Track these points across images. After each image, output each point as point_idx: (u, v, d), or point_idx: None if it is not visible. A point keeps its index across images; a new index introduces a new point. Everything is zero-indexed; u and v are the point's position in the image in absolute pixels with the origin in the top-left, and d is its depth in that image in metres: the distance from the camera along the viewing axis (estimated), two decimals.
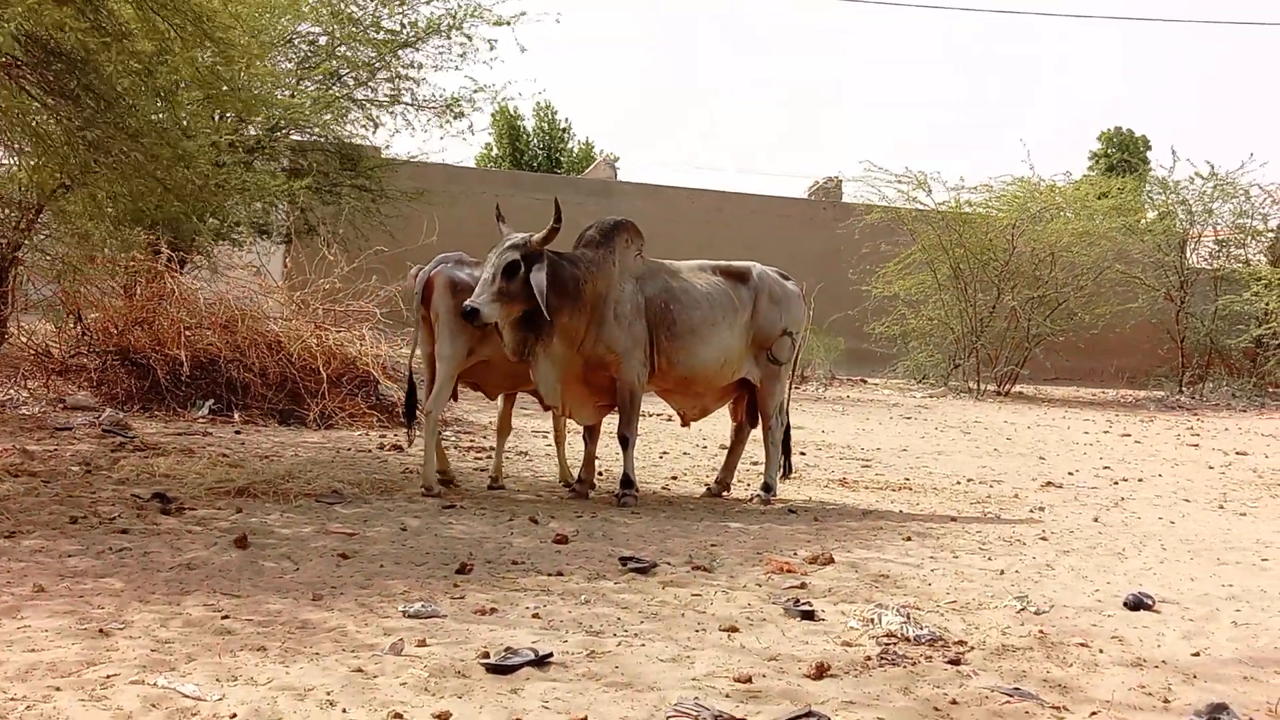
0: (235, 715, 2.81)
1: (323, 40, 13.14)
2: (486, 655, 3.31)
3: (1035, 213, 17.94)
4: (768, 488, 6.63)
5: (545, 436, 8.54)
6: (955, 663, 3.49)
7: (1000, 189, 18.48)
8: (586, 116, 78.09)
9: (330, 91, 12.95)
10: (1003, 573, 4.88)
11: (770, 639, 3.68)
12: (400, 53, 13.27)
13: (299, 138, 13.38)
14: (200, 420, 8.55)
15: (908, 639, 3.70)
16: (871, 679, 3.31)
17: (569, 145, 36.49)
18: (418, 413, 6.68)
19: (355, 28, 12.95)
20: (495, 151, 35.48)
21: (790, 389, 6.98)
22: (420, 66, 13.49)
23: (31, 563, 4.18)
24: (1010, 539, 5.71)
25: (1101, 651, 3.71)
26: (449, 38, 13.25)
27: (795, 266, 8.02)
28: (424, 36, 13.22)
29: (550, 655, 3.33)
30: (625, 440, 6.28)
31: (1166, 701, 3.25)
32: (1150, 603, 4.34)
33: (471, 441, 8.60)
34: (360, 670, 3.17)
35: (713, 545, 5.18)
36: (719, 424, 8.77)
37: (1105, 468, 9.14)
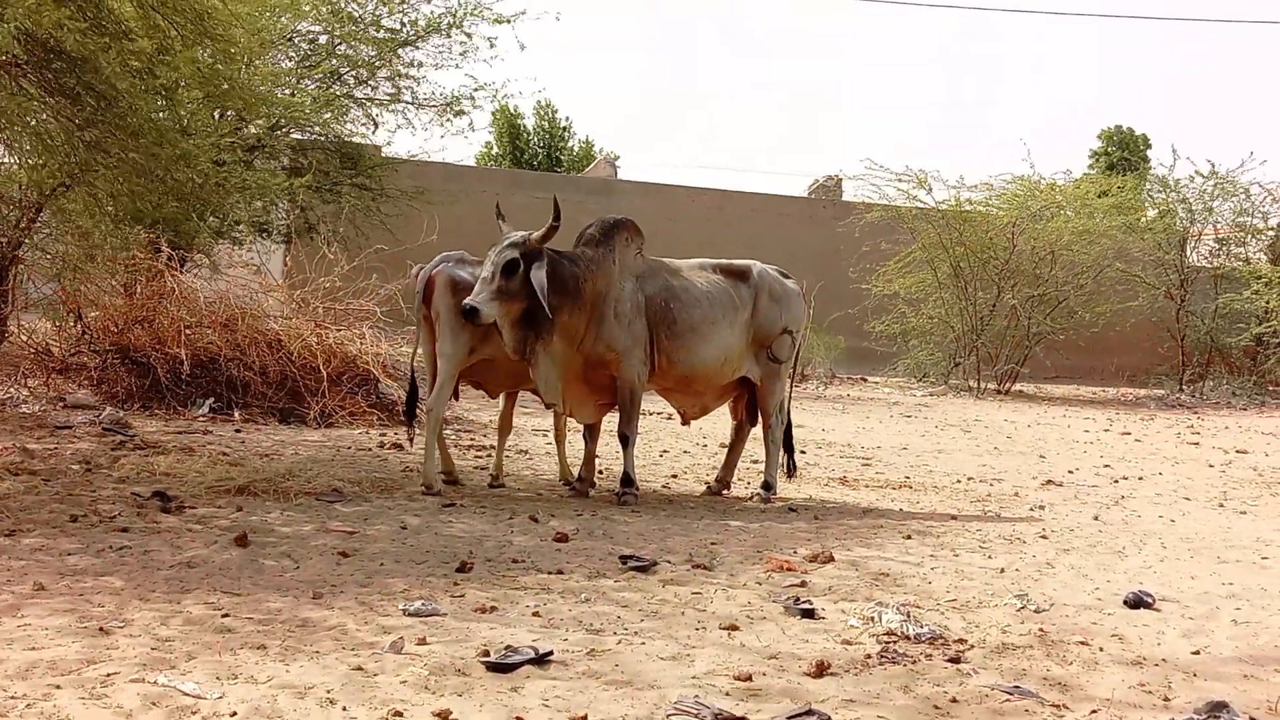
0: (235, 714, 2.81)
1: (323, 39, 13.14)
2: (487, 653, 3.31)
3: (1035, 211, 17.94)
4: (768, 486, 6.63)
5: (545, 435, 8.54)
6: (955, 661, 3.49)
7: (1000, 187, 18.48)
8: (587, 118, 78.14)
9: (330, 90, 12.94)
10: (1003, 571, 4.88)
11: (770, 637, 3.69)
12: (400, 51, 13.27)
13: (299, 136, 13.38)
14: (200, 418, 8.55)
15: (908, 637, 3.70)
16: (871, 677, 3.31)
17: (569, 144, 36.50)
18: (418, 411, 6.68)
19: (355, 26, 12.94)
20: (495, 150, 35.48)
21: (792, 387, 6.99)
22: (420, 65, 13.50)
23: (32, 561, 4.19)
24: (1010, 537, 5.71)
25: (1101, 650, 3.71)
26: (449, 36, 13.25)
27: (795, 265, 8.02)
28: (424, 35, 13.21)
29: (550, 653, 3.33)
30: (625, 438, 6.28)
31: (1166, 700, 3.25)
32: (1150, 601, 4.34)
33: (471, 440, 8.61)
34: (360, 668, 3.17)
35: (713, 543, 5.18)
36: (719, 422, 8.77)
37: (1105, 466, 9.14)
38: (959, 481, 7.86)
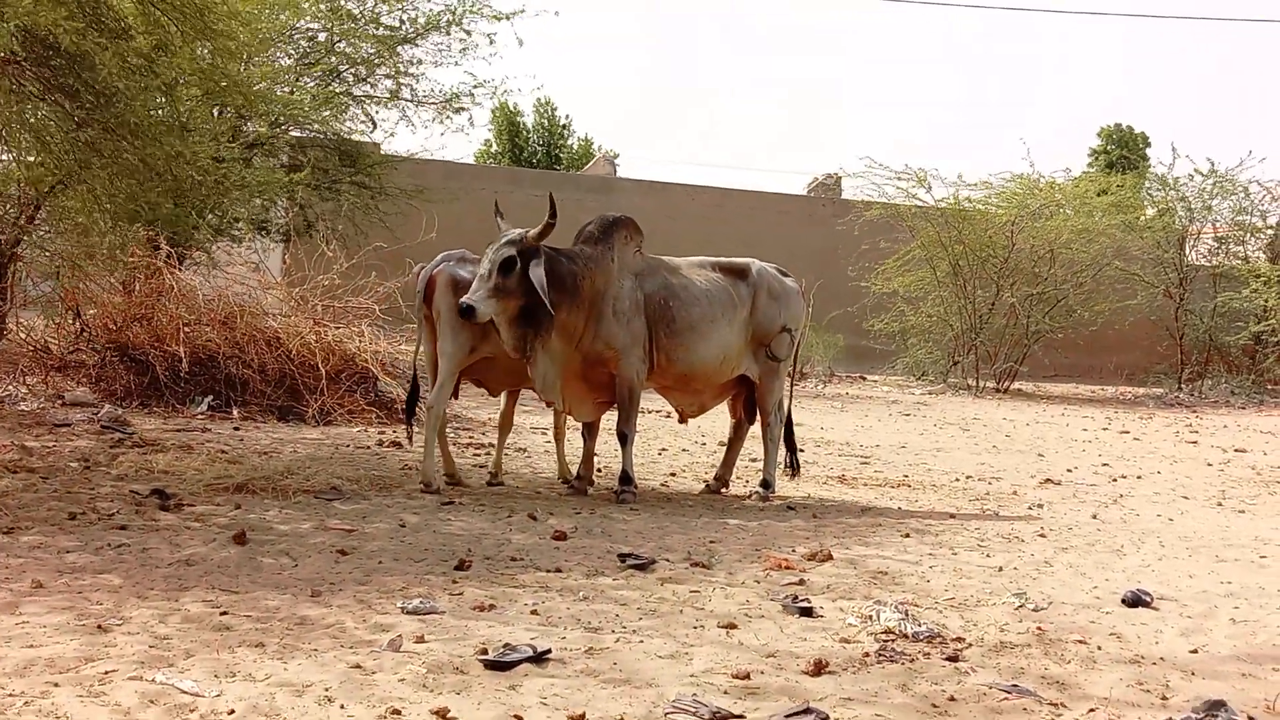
0: (233, 711, 2.81)
1: (322, 36, 13.13)
2: (485, 651, 3.31)
3: (1035, 210, 17.95)
4: (766, 484, 6.62)
5: (544, 433, 8.54)
6: (953, 659, 3.49)
7: (1000, 186, 18.50)
8: (587, 116, 78.18)
9: (330, 88, 12.94)
10: (1001, 570, 4.88)
11: (768, 635, 3.69)
12: (400, 49, 13.26)
13: (298, 134, 13.37)
14: (199, 416, 8.55)
15: (906, 636, 3.70)
16: (870, 676, 3.31)
17: (569, 142, 36.49)
18: (418, 410, 6.68)
19: (354, 24, 12.93)
20: (495, 148, 35.48)
21: (792, 386, 6.98)
22: (420, 63, 13.50)
23: (30, 559, 4.18)
24: (1009, 536, 5.71)
25: (1100, 648, 3.71)
26: (448, 34, 13.25)
27: (794, 263, 8.02)
28: (423, 32, 13.21)
29: (549, 651, 3.33)
30: (624, 437, 6.28)
31: (1164, 699, 3.25)
32: (1148, 600, 4.34)
33: (470, 438, 8.61)
34: (358, 666, 3.17)
35: (711, 542, 5.18)
36: (718, 421, 8.77)
37: (1104, 465, 9.15)
38: (957, 480, 7.86)
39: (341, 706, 2.88)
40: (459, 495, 6.09)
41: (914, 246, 18.26)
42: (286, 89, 12.46)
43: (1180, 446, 10.96)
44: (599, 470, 6.81)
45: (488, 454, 7.68)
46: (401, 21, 13.24)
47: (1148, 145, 35.69)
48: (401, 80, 13.51)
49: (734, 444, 6.97)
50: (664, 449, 8.62)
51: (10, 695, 2.82)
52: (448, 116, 13.89)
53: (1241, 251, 19.40)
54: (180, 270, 9.72)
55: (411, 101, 13.72)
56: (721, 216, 20.83)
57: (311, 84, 12.73)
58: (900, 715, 3.02)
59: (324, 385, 8.77)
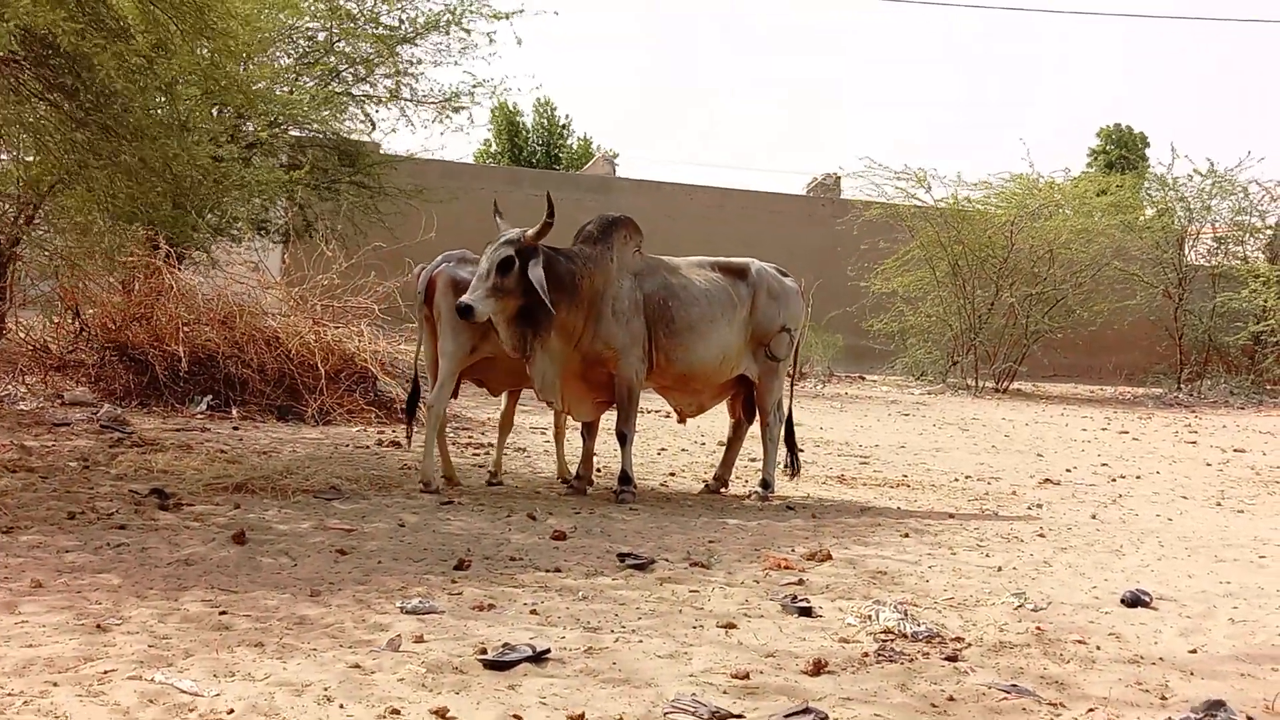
0: (232, 711, 2.81)
1: (321, 36, 13.13)
2: (484, 651, 3.31)
3: (1034, 210, 17.95)
4: (766, 484, 6.62)
5: (544, 433, 8.54)
6: (952, 659, 3.49)
7: (999, 186, 18.51)
8: (587, 116, 78.18)
9: (329, 87, 12.94)
10: (1000, 569, 4.88)
11: (768, 635, 3.69)
12: (399, 48, 13.26)
13: (297, 134, 13.37)
14: (198, 416, 8.55)
15: (905, 635, 3.70)
16: (869, 675, 3.31)
17: (568, 141, 36.47)
18: (419, 409, 6.68)
19: (353, 23, 12.93)
20: (494, 148, 35.46)
21: (793, 385, 6.99)
22: (419, 62, 13.51)
23: (29, 558, 4.18)
24: (1008, 536, 5.71)
25: (1099, 648, 3.71)
26: (447, 33, 13.25)
27: (794, 263, 8.02)
28: (423, 32, 13.21)
29: (548, 651, 3.33)
30: (623, 437, 6.28)
31: (1163, 698, 3.25)
32: (1148, 600, 4.34)
33: (470, 438, 8.61)
34: (358, 666, 3.17)
35: (710, 542, 5.18)
36: (717, 420, 8.77)
37: (1103, 465, 9.15)
38: (956, 480, 7.86)
39: (341, 706, 2.88)
40: (458, 495, 6.09)
41: (913, 246, 18.26)
42: (286, 89, 12.46)
43: (1179, 446, 10.97)
44: (598, 470, 6.81)
45: (487, 454, 7.68)
46: (401, 21, 13.25)
47: (1147, 145, 35.71)
48: (401, 80, 13.52)
49: (733, 444, 6.97)
50: (663, 449, 8.62)
51: (9, 695, 2.82)
52: (447, 116, 13.90)
53: (1240, 251, 19.40)
54: (179, 270, 9.72)
55: (411, 101, 13.73)
56: (721, 216, 20.83)
57: (311, 84, 12.72)
58: (899, 715, 3.02)
59: (323, 385, 8.77)
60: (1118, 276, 18.65)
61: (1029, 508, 6.72)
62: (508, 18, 13.17)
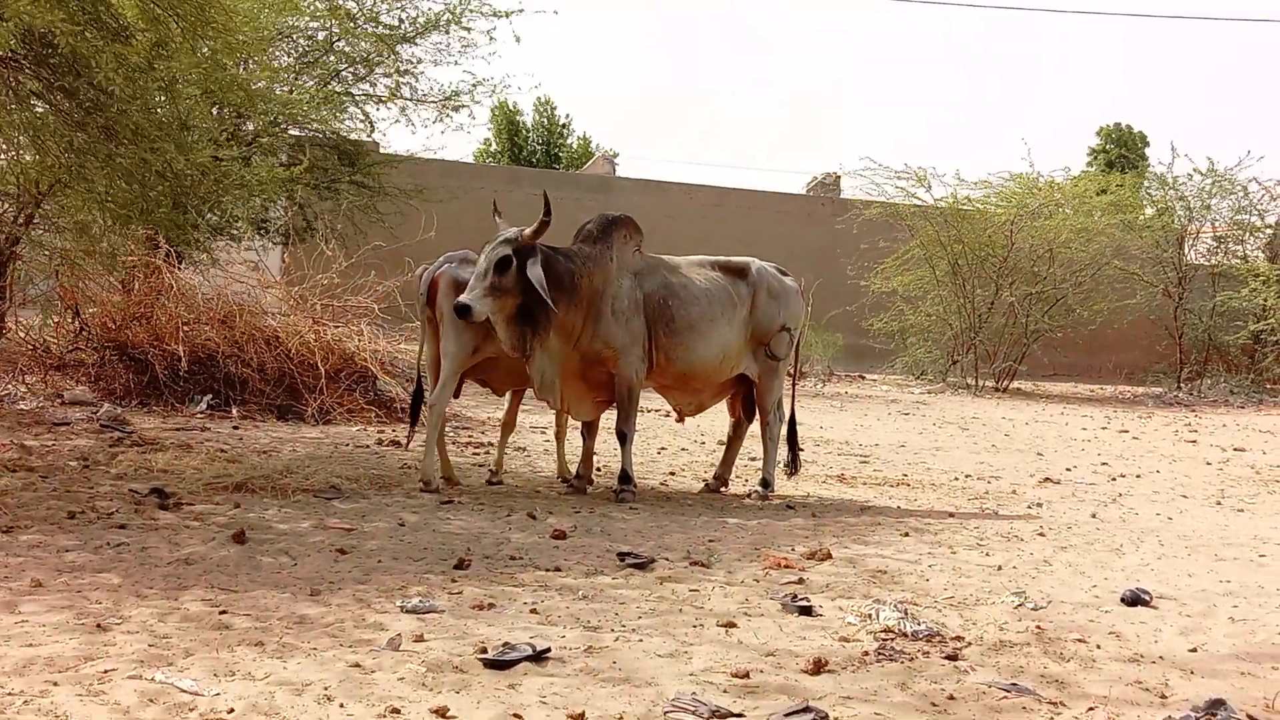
0: (233, 710, 2.81)
1: (321, 35, 13.13)
2: (484, 650, 3.31)
3: (1034, 209, 17.95)
4: (766, 483, 6.62)
5: (544, 432, 8.54)
6: (953, 658, 3.49)
7: (999, 185, 18.51)
8: (587, 116, 78.17)
9: (329, 87, 12.94)
10: (1000, 568, 4.88)
11: (768, 634, 3.69)
12: (399, 48, 13.26)
13: (297, 133, 13.37)
14: (198, 415, 8.55)
15: (905, 634, 3.70)
16: (869, 674, 3.31)
17: (568, 141, 36.47)
18: (422, 412, 6.66)
19: (353, 23, 12.93)
20: (494, 147, 35.47)
21: (795, 385, 6.98)
22: (419, 61, 13.51)
23: (29, 558, 4.18)
24: (1008, 535, 5.71)
25: (1099, 647, 3.71)
26: (447, 32, 13.25)
27: (794, 262, 8.02)
28: (423, 32, 13.21)
29: (548, 650, 3.33)
30: (623, 436, 6.27)
31: (1164, 697, 3.25)
32: (1148, 599, 4.34)
33: (470, 437, 8.61)
34: (358, 665, 3.17)
35: (711, 541, 5.18)
36: (717, 419, 8.77)
37: (1103, 464, 9.15)
38: (956, 479, 7.86)
39: (341, 705, 2.88)
40: (458, 494, 6.09)
41: (913, 246, 18.26)
42: (286, 88, 12.45)
43: (1179, 445, 10.97)
44: (598, 469, 6.81)
45: (487, 453, 7.68)
46: (401, 20, 13.25)
47: (1147, 145, 35.70)
48: (401, 79, 13.52)
49: (733, 443, 6.97)
50: (663, 448, 8.62)
51: (10, 694, 2.82)
52: (447, 115, 13.90)
53: (1240, 251, 19.40)
54: (179, 269, 9.73)
55: (411, 100, 13.73)
56: (721, 215, 20.83)
57: (311, 83, 12.72)
58: (899, 714, 3.02)
59: (323, 384, 8.77)
60: (1118, 276, 18.65)
61: (1029, 507, 6.72)
62: (507, 16, 13.18)
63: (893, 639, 3.66)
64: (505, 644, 3.36)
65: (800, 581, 4.41)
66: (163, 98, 7.42)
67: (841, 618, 3.92)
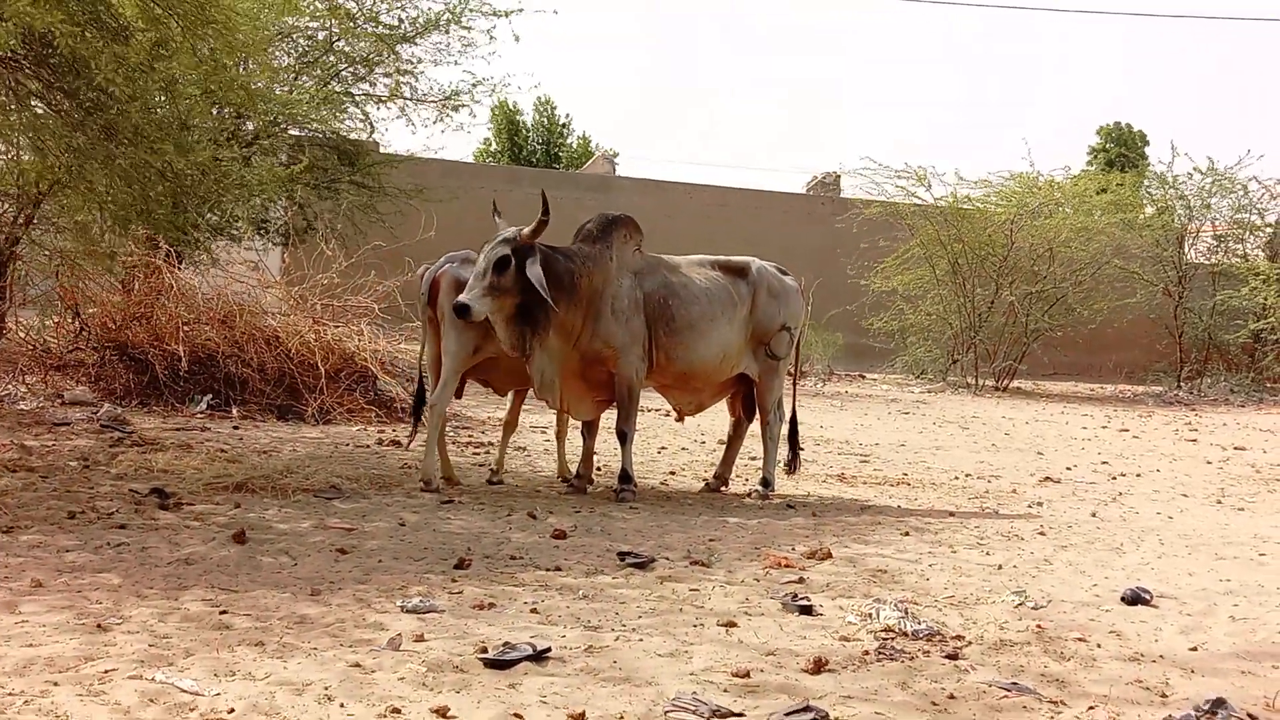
0: (233, 710, 2.81)
1: (320, 35, 13.12)
2: (484, 650, 3.31)
3: (1034, 208, 17.95)
4: (766, 483, 6.62)
5: (544, 432, 8.54)
6: (953, 657, 3.49)
7: (999, 184, 18.50)
8: (587, 115, 78.16)
9: (329, 87, 12.93)
10: (1000, 568, 4.88)
11: (768, 634, 3.69)
12: (399, 47, 13.26)
13: (297, 133, 13.37)
14: (198, 415, 8.55)
15: (905, 634, 3.70)
16: (869, 674, 3.31)
17: (568, 140, 36.47)
18: (424, 412, 6.66)
19: (353, 23, 12.93)
20: (494, 146, 35.46)
21: (795, 384, 6.98)
22: (419, 61, 13.51)
23: (29, 558, 4.18)
24: (1008, 534, 5.71)
25: (1099, 646, 3.71)
26: (447, 32, 13.25)
27: (794, 261, 8.02)
28: (423, 31, 13.21)
29: (548, 650, 3.33)
30: (623, 435, 6.27)
31: (1164, 696, 3.25)
32: (1148, 597, 4.34)
33: (470, 437, 8.60)
34: (358, 665, 3.17)
35: (711, 540, 5.18)
36: (717, 419, 8.77)
37: (1103, 463, 9.15)
38: (957, 478, 7.86)
39: (341, 705, 2.88)
40: (458, 494, 6.09)
41: (913, 245, 18.26)
42: (285, 88, 12.45)
43: (1179, 444, 10.96)
44: (598, 469, 6.81)
45: (488, 453, 7.68)
46: (400, 20, 13.24)
47: (1147, 144, 35.71)
48: (401, 79, 13.51)
49: (733, 442, 6.96)
50: (663, 447, 8.62)
51: (10, 694, 2.82)
52: (447, 115, 13.89)
53: (1240, 249, 19.40)
54: (179, 269, 9.73)
55: (411, 100, 13.73)
56: (720, 215, 20.83)
57: (310, 83, 12.72)
58: (900, 713, 3.02)
59: (323, 384, 8.78)
60: (1118, 275, 18.65)
61: (1029, 506, 6.72)
62: (507, 15, 13.18)
63: (893, 638, 3.66)
64: (505, 644, 3.36)
65: (800, 581, 4.41)
66: (163, 98, 7.41)
67: (842, 617, 3.92)
